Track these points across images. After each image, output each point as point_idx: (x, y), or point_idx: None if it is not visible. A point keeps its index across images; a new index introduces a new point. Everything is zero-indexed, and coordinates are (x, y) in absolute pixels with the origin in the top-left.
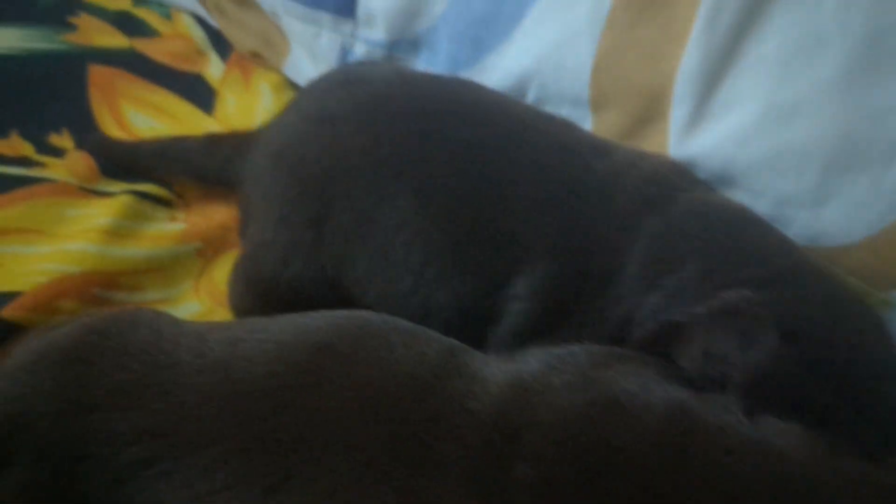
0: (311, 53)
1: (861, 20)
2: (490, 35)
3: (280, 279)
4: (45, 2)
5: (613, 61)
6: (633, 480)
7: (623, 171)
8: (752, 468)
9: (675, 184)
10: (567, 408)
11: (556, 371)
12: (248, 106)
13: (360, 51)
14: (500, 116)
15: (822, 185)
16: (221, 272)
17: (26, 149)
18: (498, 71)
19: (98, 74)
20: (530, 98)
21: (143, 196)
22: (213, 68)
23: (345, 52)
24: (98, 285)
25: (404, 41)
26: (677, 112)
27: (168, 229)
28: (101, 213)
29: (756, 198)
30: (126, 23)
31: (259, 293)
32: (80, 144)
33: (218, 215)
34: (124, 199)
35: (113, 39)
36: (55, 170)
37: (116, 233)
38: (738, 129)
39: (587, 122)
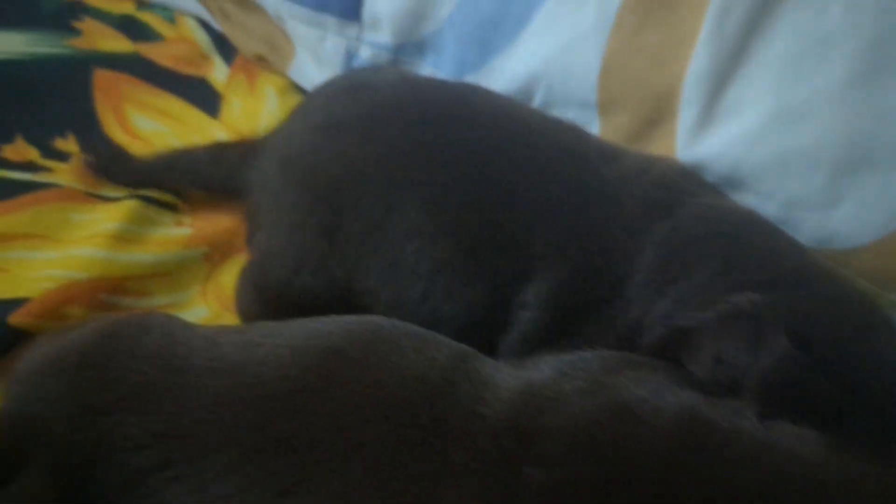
0: (315, 57)
1: (869, 22)
2: (497, 37)
3: (291, 287)
4: (48, 6)
5: (621, 64)
6: (646, 486)
7: (631, 176)
8: (768, 473)
9: (684, 188)
10: (578, 413)
11: (567, 377)
12: (253, 109)
13: (365, 54)
14: (507, 122)
15: (831, 187)
16: (229, 277)
17: (32, 153)
18: (505, 73)
19: (102, 79)
20: (537, 100)
21: (149, 201)
22: (217, 72)
23: (350, 55)
24: (105, 291)
25: (410, 44)
26: (685, 114)
27: (175, 234)
28: (107, 218)
29: (765, 200)
30: (130, 27)
31: (268, 301)
32: (86, 149)
33: (224, 220)
34: (130, 204)
35: (117, 44)
36: (61, 175)
37: (123, 238)
38: (747, 132)
39: (595, 125)
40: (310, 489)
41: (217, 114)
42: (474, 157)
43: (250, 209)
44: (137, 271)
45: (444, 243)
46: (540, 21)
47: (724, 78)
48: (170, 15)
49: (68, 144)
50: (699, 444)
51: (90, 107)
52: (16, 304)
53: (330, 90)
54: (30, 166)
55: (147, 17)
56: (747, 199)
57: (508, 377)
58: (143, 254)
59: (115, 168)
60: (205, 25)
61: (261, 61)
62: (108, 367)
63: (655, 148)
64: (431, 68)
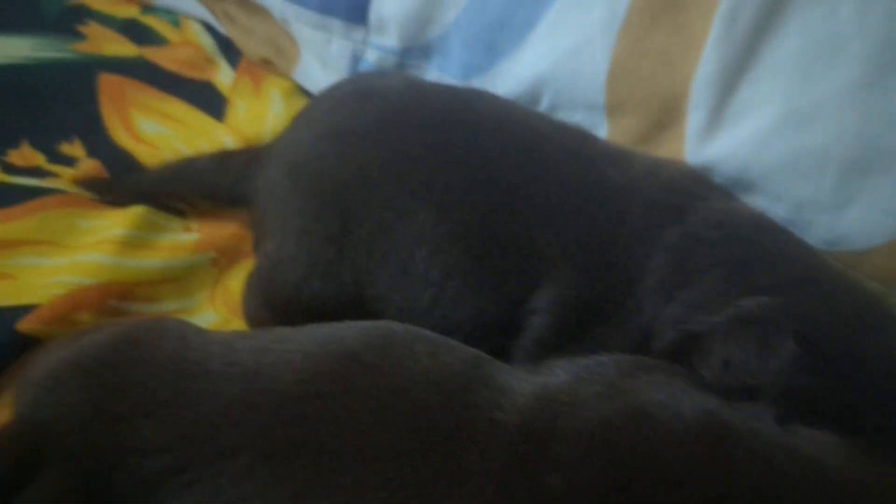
0: (321, 60)
1: (879, 23)
2: (504, 41)
3: (300, 295)
4: (52, 11)
5: (629, 66)
6: (665, 490)
7: (640, 180)
8: (789, 477)
9: (694, 192)
10: (595, 418)
11: (583, 381)
12: (258, 113)
13: (371, 57)
14: (515, 127)
15: (842, 188)
16: (236, 282)
17: (38, 158)
18: (512, 76)
19: (108, 83)
20: (545, 103)
21: (157, 206)
22: (222, 75)
23: (356, 58)
24: (114, 297)
25: (416, 48)
26: (694, 117)
27: (182, 239)
28: (115, 224)
29: (775, 202)
30: (134, 31)
31: (277, 309)
32: (92, 153)
33: (231, 224)
34: (138, 210)
35: (122, 48)
36: (67, 180)
37: (131, 244)
38: (756, 134)
39: (602, 128)
40: (323, 494)
41: (222, 117)
42: (482, 163)
43: (257, 216)
44: (146, 277)
45: (453, 249)
46: (547, 24)
47: (734, 80)
48: (174, 19)
49: (74, 149)
50: (719, 448)
51: (95, 111)
52: (24, 310)
53: (335, 96)
54: (36, 171)
55: (151, 21)
56: (757, 202)
57: (523, 382)
58: (152, 259)
59: (118, 186)
60: (209, 29)
61: (266, 64)
62: (123, 372)
63: (664, 150)
64: (438, 71)
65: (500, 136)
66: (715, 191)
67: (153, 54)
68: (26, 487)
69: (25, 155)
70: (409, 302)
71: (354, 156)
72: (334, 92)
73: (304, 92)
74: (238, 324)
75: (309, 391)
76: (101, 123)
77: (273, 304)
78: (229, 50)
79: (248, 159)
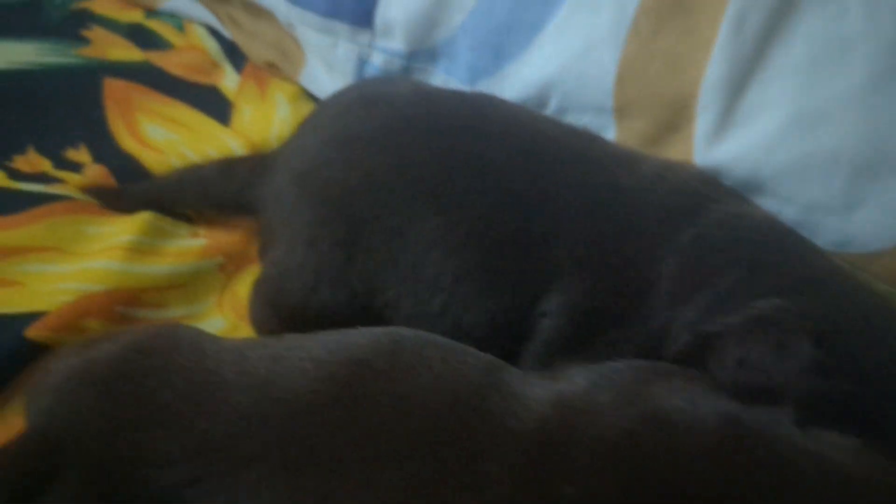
0: (327, 64)
1: (888, 24)
2: (511, 44)
3: (308, 303)
4: (56, 15)
5: (637, 69)
6: (684, 497)
7: (651, 184)
8: (811, 482)
9: (705, 194)
10: (613, 426)
11: (600, 388)
12: (264, 117)
13: (377, 61)
14: (524, 131)
15: (851, 190)
16: (244, 287)
17: (44, 164)
18: (519, 80)
19: (113, 88)
20: (552, 106)
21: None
22: (228, 80)
23: (362, 62)
24: (122, 303)
25: (423, 51)
26: (702, 119)
27: (190, 245)
28: (122, 230)
29: (784, 205)
30: (139, 35)
31: (286, 318)
32: (98, 158)
33: (238, 230)
34: (145, 216)
35: (127, 52)
36: (74, 186)
37: (138, 250)
38: (765, 136)
39: (611, 130)
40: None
41: (228, 122)
42: (491, 167)
43: (263, 224)
44: (153, 283)
45: (464, 254)
46: (554, 27)
47: (742, 82)
48: (179, 23)
49: (80, 155)
50: (740, 453)
51: (101, 116)
52: (32, 317)
53: (342, 102)
54: (42, 177)
55: (156, 26)
56: (766, 204)
57: (538, 389)
58: (159, 265)
59: (125, 195)
60: (214, 33)
61: (271, 68)
62: (139, 381)
63: (672, 153)
64: (444, 75)
65: (509, 141)
66: (726, 193)
67: (158, 59)
68: (40, 497)
69: (31, 161)
70: (419, 308)
71: (362, 162)
72: (340, 98)
73: (309, 96)
74: (246, 329)
75: (322, 400)
76: (106, 129)
77: (281, 312)
78: (234, 54)
79: (253, 166)
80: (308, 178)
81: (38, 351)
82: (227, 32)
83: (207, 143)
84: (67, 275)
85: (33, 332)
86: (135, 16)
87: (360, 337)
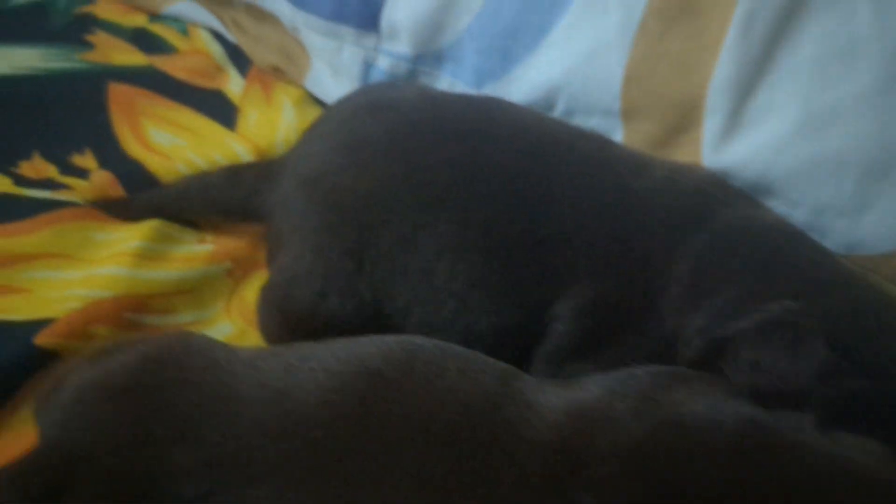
0: (332, 68)
1: None
2: (518, 46)
3: (317, 311)
4: (60, 20)
5: (645, 72)
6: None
7: (662, 188)
8: (835, 486)
9: (716, 198)
10: (633, 434)
11: (617, 395)
12: (270, 121)
13: (383, 64)
14: (533, 135)
15: (861, 193)
16: (252, 292)
17: (50, 170)
18: (526, 83)
19: (118, 93)
20: (559, 109)
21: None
22: (232, 84)
23: (367, 66)
24: (130, 309)
25: (429, 54)
26: (711, 122)
27: (197, 250)
28: (129, 236)
29: (793, 207)
30: (143, 40)
31: (294, 325)
32: (104, 164)
33: (246, 235)
34: (152, 222)
35: (131, 57)
36: (81, 193)
37: (146, 256)
38: (774, 139)
39: (618, 133)
40: None
41: (234, 126)
42: (501, 172)
43: (271, 231)
44: (161, 289)
45: (476, 260)
46: (561, 29)
47: (751, 84)
48: (182, 27)
49: (86, 160)
50: (763, 459)
51: (106, 121)
52: (41, 324)
53: (348, 108)
54: (48, 184)
55: (160, 30)
56: (775, 207)
57: (554, 398)
58: (167, 271)
59: (132, 205)
60: (218, 37)
61: (276, 72)
62: (154, 395)
63: (680, 155)
64: (450, 78)
65: (517, 145)
66: (736, 196)
67: (162, 63)
68: None
69: (37, 167)
70: (430, 314)
71: (370, 168)
72: (347, 103)
73: (314, 100)
74: (254, 334)
75: (335, 412)
76: (112, 134)
77: (289, 319)
78: (238, 58)
79: (260, 172)
80: (316, 184)
81: (46, 358)
82: (231, 36)
83: (213, 147)
84: (75, 281)
85: (42, 339)
86: (138, 20)
87: (373, 346)
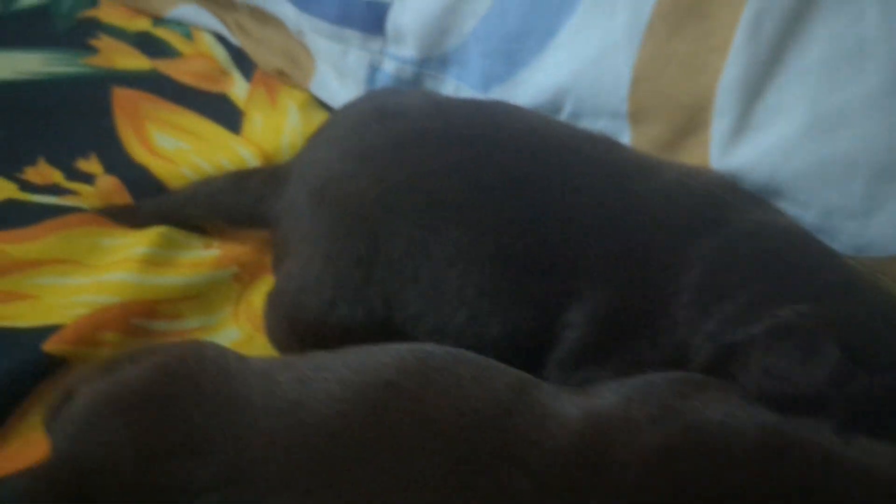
0: (337, 71)
1: None
2: (524, 49)
3: (327, 321)
4: (63, 24)
5: (653, 73)
6: None
7: (673, 192)
8: (857, 492)
9: (727, 203)
10: (652, 443)
11: (635, 404)
12: (275, 125)
13: (389, 68)
14: (542, 140)
15: (870, 194)
16: (259, 297)
17: (55, 175)
18: (532, 86)
19: (122, 97)
20: (566, 111)
21: None
22: (237, 88)
23: (373, 69)
24: (138, 315)
25: (435, 58)
26: (719, 124)
27: (203, 256)
28: (136, 242)
29: (802, 209)
30: (147, 44)
31: (303, 333)
32: (109, 169)
33: (252, 239)
34: (159, 228)
35: (135, 61)
36: (87, 199)
37: (153, 261)
38: (783, 141)
39: (626, 135)
40: None
41: (239, 130)
42: (511, 178)
43: (278, 237)
44: (169, 294)
45: (487, 267)
46: (568, 32)
47: (759, 86)
48: (186, 31)
49: (91, 165)
50: (784, 466)
51: (111, 126)
52: (49, 331)
53: (355, 115)
54: (54, 189)
55: (163, 34)
56: (784, 208)
57: (571, 405)
58: (174, 276)
59: (138, 212)
60: (222, 40)
61: (280, 75)
62: (168, 407)
63: (688, 157)
64: (456, 81)
65: (527, 150)
66: (747, 200)
67: (167, 67)
68: None
69: (42, 172)
70: (441, 322)
71: (380, 176)
72: (353, 110)
73: (320, 104)
74: (262, 340)
75: (349, 424)
76: (116, 138)
77: (298, 327)
78: (242, 61)
79: (266, 179)
80: (325, 193)
81: (54, 365)
82: (234, 40)
83: (218, 151)
84: (83, 287)
85: (50, 345)
86: (142, 24)
87: (387, 356)
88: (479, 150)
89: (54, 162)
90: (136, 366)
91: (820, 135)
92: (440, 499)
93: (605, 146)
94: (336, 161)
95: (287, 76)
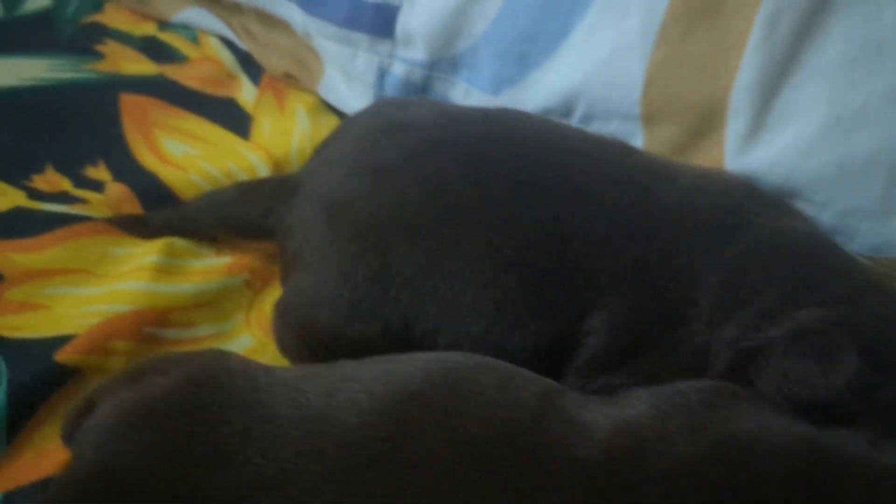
0: (346, 74)
1: None
2: (536, 51)
3: (342, 335)
4: (68, 30)
5: (666, 76)
6: None
7: (691, 198)
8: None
9: (746, 208)
10: (684, 455)
11: (666, 414)
12: (284, 130)
13: (398, 71)
14: (556, 149)
15: (889, 194)
16: (271, 304)
17: (64, 183)
18: (544, 88)
19: (130, 103)
20: (578, 114)
21: None
22: (245, 92)
23: (382, 72)
24: (150, 324)
25: (445, 60)
26: (734, 125)
27: (214, 263)
28: (147, 251)
29: (819, 210)
30: (153, 49)
31: (316, 347)
32: (118, 176)
33: (262, 246)
34: (169, 238)
35: (141, 66)
36: (97, 207)
37: (164, 270)
38: (800, 141)
39: (638, 137)
40: None
41: (248, 135)
42: (526, 188)
43: (286, 250)
44: (181, 302)
45: (504, 279)
46: (580, 33)
47: (775, 86)
48: (192, 35)
49: (100, 173)
50: (819, 476)
51: (119, 132)
52: (61, 340)
53: (365, 128)
54: (63, 197)
55: (170, 38)
56: (801, 209)
57: (600, 416)
58: (186, 284)
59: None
60: (229, 44)
61: (288, 79)
62: (195, 418)
63: (703, 159)
64: (466, 84)
65: (542, 160)
66: (766, 205)
67: (173, 72)
68: None
69: (50, 180)
70: (459, 335)
71: (394, 192)
72: (362, 123)
73: (329, 107)
74: (274, 348)
75: (375, 435)
76: (125, 145)
77: (310, 342)
78: (250, 65)
79: (275, 190)
80: (338, 210)
81: (67, 375)
82: (241, 44)
83: (227, 157)
84: (94, 297)
85: (63, 355)
86: (148, 29)
87: (414, 367)
88: (492, 161)
89: (62, 169)
90: (164, 376)
91: (837, 135)
92: None
93: (618, 151)
94: (347, 178)
95: (295, 80)
